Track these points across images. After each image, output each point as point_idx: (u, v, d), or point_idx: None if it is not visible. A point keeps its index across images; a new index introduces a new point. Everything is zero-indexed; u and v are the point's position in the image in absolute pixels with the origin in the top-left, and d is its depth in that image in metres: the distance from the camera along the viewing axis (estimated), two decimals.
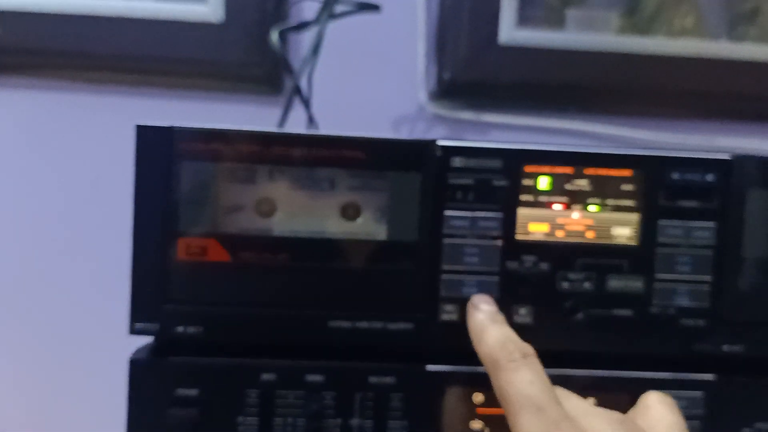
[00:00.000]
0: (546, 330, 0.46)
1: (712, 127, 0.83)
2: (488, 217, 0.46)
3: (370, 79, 0.82)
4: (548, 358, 0.46)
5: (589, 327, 0.46)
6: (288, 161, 0.45)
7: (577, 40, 0.81)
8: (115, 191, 0.62)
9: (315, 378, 0.45)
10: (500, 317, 0.44)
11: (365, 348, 0.46)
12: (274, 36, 0.71)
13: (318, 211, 0.46)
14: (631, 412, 0.42)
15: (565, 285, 0.46)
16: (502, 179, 0.46)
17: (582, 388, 0.46)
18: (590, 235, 0.46)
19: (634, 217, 0.46)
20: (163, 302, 0.45)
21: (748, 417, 0.47)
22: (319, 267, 0.46)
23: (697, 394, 0.47)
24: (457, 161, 0.46)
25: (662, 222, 0.46)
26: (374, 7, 0.73)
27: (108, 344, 0.51)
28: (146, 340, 0.47)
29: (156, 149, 0.44)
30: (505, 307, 0.46)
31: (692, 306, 0.46)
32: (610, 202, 0.46)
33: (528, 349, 0.41)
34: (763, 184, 0.46)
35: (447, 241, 0.46)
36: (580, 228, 0.46)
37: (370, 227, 0.46)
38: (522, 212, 0.46)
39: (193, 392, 0.45)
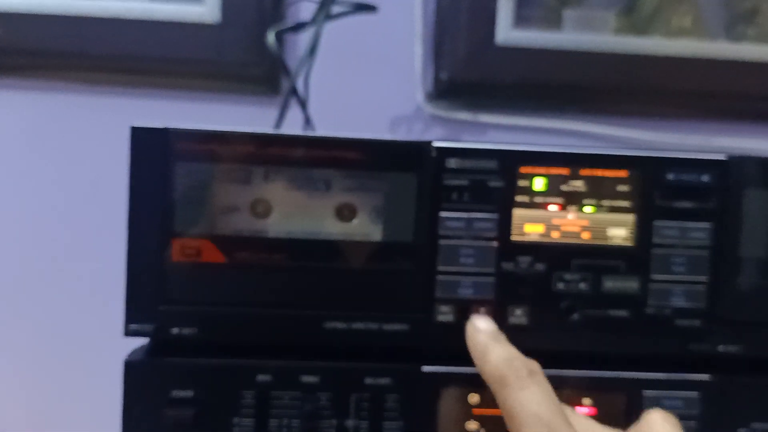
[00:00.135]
0: (542, 331, 0.46)
1: (710, 127, 0.83)
2: (484, 218, 0.46)
3: (367, 79, 0.82)
4: (544, 359, 0.46)
5: (585, 327, 0.46)
6: (283, 162, 0.45)
7: (575, 40, 0.81)
8: (113, 192, 0.62)
9: (310, 379, 0.45)
10: (502, 336, 0.44)
11: (361, 349, 0.46)
12: (271, 37, 0.71)
13: (313, 212, 0.46)
14: (634, 428, 0.41)
15: (561, 286, 0.46)
16: (498, 180, 0.46)
17: (578, 389, 0.46)
18: (586, 236, 0.46)
19: (630, 217, 0.46)
20: (158, 303, 0.45)
21: (745, 417, 0.47)
22: (314, 268, 0.46)
23: (693, 394, 0.47)
24: (453, 162, 0.46)
25: (658, 223, 0.46)
26: (371, 8, 0.73)
27: (106, 345, 0.51)
28: (142, 341, 0.47)
29: (151, 150, 0.44)
30: (501, 308, 0.46)
31: (688, 306, 0.46)
32: (606, 202, 0.46)
33: (535, 366, 0.41)
34: (758, 185, 0.46)
35: (443, 242, 0.46)
36: (575, 229, 0.46)
37: (365, 228, 0.46)
38: (517, 213, 0.46)
39: (188, 393, 0.45)
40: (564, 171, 0.46)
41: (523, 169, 0.46)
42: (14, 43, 0.80)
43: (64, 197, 0.82)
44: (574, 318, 0.46)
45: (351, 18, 0.72)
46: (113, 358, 0.47)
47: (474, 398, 0.46)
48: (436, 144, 0.46)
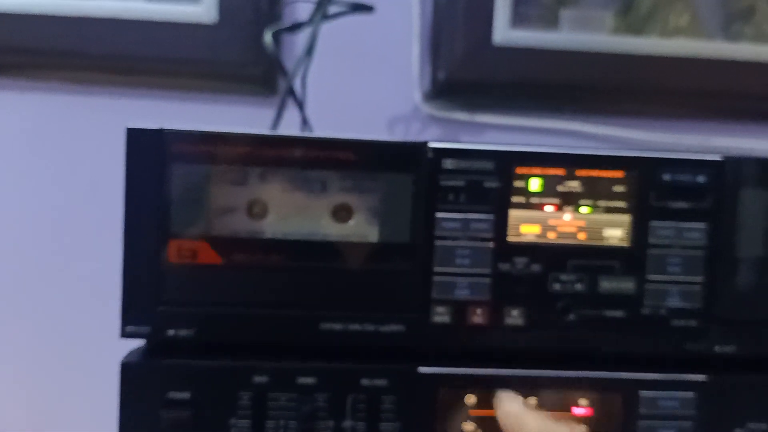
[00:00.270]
0: (538, 331, 0.46)
1: (707, 126, 0.83)
2: (480, 218, 0.46)
3: (364, 79, 0.82)
4: (540, 360, 0.46)
5: (581, 328, 0.46)
6: (279, 163, 0.45)
7: (572, 40, 0.81)
8: (111, 192, 0.62)
9: (307, 380, 0.45)
10: (531, 407, 0.45)
11: (357, 350, 0.46)
12: (268, 37, 0.71)
13: (310, 212, 0.46)
14: None
15: (557, 286, 0.46)
16: (494, 181, 0.46)
17: (574, 389, 0.46)
18: (582, 237, 0.46)
19: (626, 218, 0.46)
20: (155, 305, 0.45)
21: (741, 417, 0.47)
22: (310, 269, 0.46)
23: (689, 394, 0.47)
24: (449, 163, 0.46)
25: (654, 223, 0.46)
26: (368, 8, 0.73)
27: (105, 345, 0.51)
28: (139, 342, 0.47)
29: (146, 152, 0.44)
30: (497, 308, 0.46)
31: (684, 306, 0.46)
32: (602, 203, 0.46)
33: None
34: (754, 185, 0.46)
35: (439, 242, 0.46)
36: (571, 229, 0.46)
37: (362, 229, 0.46)
38: (513, 214, 0.46)
39: (185, 395, 0.45)
40: (560, 171, 0.46)
41: (519, 170, 0.46)
42: (10, 42, 0.80)
43: (62, 197, 0.82)
44: (570, 318, 0.46)
45: (348, 18, 0.72)
46: (112, 359, 0.47)
47: (471, 399, 0.46)
48: (432, 145, 0.46)
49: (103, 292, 0.70)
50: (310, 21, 0.72)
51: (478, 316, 0.46)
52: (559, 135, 0.82)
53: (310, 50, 0.71)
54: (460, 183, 0.46)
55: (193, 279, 0.45)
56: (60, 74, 0.82)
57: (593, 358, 0.47)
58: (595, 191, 0.46)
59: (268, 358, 0.45)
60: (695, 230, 0.46)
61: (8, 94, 0.82)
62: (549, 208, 0.46)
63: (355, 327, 0.46)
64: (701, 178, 0.46)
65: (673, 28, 0.83)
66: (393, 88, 0.82)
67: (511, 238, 0.46)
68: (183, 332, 0.45)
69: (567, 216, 0.46)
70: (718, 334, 0.47)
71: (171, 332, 0.45)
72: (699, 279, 0.46)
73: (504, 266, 0.46)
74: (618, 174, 0.46)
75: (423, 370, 0.46)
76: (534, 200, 0.46)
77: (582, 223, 0.46)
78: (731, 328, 0.47)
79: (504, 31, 0.80)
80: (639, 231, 0.46)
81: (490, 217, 0.46)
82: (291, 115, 0.72)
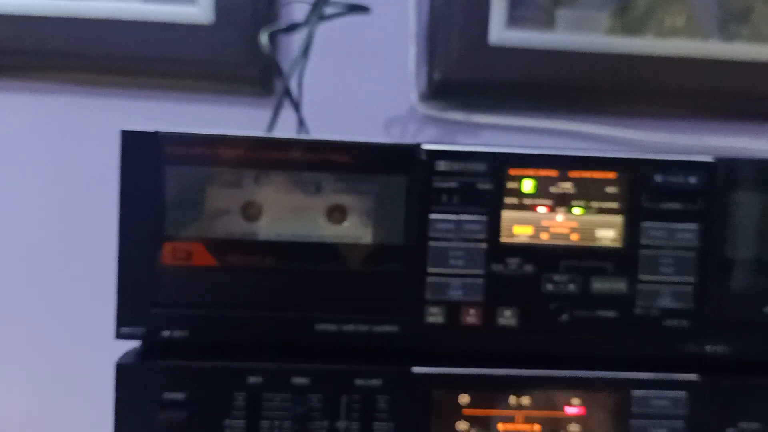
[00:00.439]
0: (531, 332, 0.47)
1: (702, 126, 0.83)
2: (473, 220, 0.46)
3: (360, 80, 0.82)
4: (534, 360, 0.46)
5: (573, 328, 0.47)
6: (274, 165, 0.46)
7: (568, 40, 0.81)
8: (109, 193, 0.62)
9: (301, 381, 0.46)
10: None
11: (352, 350, 0.46)
12: (264, 38, 0.71)
13: (304, 214, 0.46)
14: None
15: (550, 287, 0.47)
16: (487, 182, 0.46)
17: (567, 389, 0.47)
18: (574, 238, 0.47)
19: (618, 219, 0.47)
20: (150, 306, 0.45)
21: (732, 417, 0.47)
22: (305, 270, 0.46)
23: (681, 394, 0.47)
24: (442, 165, 0.46)
25: (646, 224, 0.47)
26: (364, 9, 0.73)
27: (103, 346, 0.51)
28: (134, 343, 0.47)
29: (141, 154, 0.45)
30: (490, 309, 0.46)
31: (676, 307, 0.47)
32: (594, 204, 0.47)
33: None
34: (745, 186, 0.47)
35: (432, 244, 0.46)
36: (564, 230, 0.47)
37: (356, 230, 0.46)
38: (506, 215, 0.46)
39: (180, 396, 0.45)
40: (552, 173, 0.47)
41: (512, 171, 0.46)
42: (6, 44, 0.80)
43: (60, 198, 0.82)
44: (563, 319, 0.47)
45: (344, 18, 0.72)
46: (108, 359, 0.47)
47: (464, 399, 0.46)
48: (426, 147, 0.46)
49: (99, 293, 0.71)
50: (307, 22, 0.72)
51: (471, 317, 0.46)
52: (555, 135, 0.83)
53: (306, 51, 0.71)
54: (453, 185, 0.46)
55: (188, 280, 0.45)
56: (57, 75, 0.82)
57: (586, 357, 0.47)
58: (587, 192, 0.47)
59: (262, 359, 0.46)
60: (687, 231, 0.47)
61: (5, 95, 0.82)
62: (542, 209, 0.47)
63: (349, 328, 0.46)
64: (693, 180, 0.46)
65: (669, 29, 0.83)
66: (389, 88, 0.82)
67: (504, 239, 0.46)
68: (178, 333, 0.45)
69: (560, 217, 0.47)
70: (709, 334, 0.47)
71: (166, 333, 0.45)
72: (691, 280, 0.47)
73: (497, 267, 0.46)
74: (610, 175, 0.47)
75: (417, 370, 0.46)
76: (527, 201, 0.47)
77: (575, 224, 0.47)
78: (723, 328, 0.47)
79: (500, 32, 0.81)
80: (631, 232, 0.47)
81: (483, 218, 0.46)
82: (287, 115, 0.72)
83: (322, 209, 0.46)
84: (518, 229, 0.47)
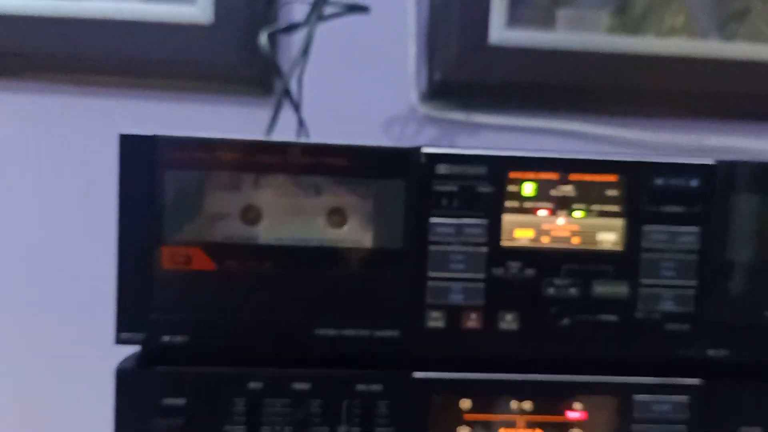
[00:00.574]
0: (532, 336, 0.46)
1: (702, 126, 0.83)
2: (473, 223, 0.46)
3: (360, 80, 0.82)
4: (535, 364, 0.46)
5: (574, 332, 0.46)
6: (272, 169, 0.45)
7: (568, 40, 0.81)
8: (106, 194, 0.62)
9: (302, 386, 0.45)
10: None
11: (352, 355, 0.46)
12: (264, 38, 0.70)
13: (304, 217, 0.46)
14: None
15: (551, 291, 0.46)
16: (487, 186, 0.46)
17: (568, 394, 0.47)
18: (575, 241, 0.46)
19: (619, 222, 0.46)
20: (149, 311, 0.45)
21: (734, 421, 0.47)
22: (304, 274, 0.46)
23: (683, 398, 0.47)
24: (442, 168, 0.46)
25: (647, 227, 0.46)
26: (363, 9, 0.72)
27: (99, 352, 0.51)
28: (134, 348, 0.47)
29: (139, 158, 0.44)
30: (491, 313, 0.46)
31: (677, 311, 0.47)
32: (595, 207, 0.46)
33: None
34: (746, 189, 0.46)
35: (433, 248, 0.46)
36: (565, 234, 0.46)
37: (356, 234, 0.46)
38: (507, 218, 0.46)
39: (179, 401, 0.45)
40: (553, 176, 0.46)
41: (513, 175, 0.46)
42: (4, 45, 0.80)
43: (57, 200, 0.82)
44: (564, 323, 0.46)
45: (344, 18, 0.72)
46: (107, 365, 0.47)
47: (465, 404, 0.46)
48: (425, 150, 0.46)
49: (98, 297, 0.70)
50: (306, 22, 0.71)
51: (472, 321, 0.46)
52: (555, 135, 0.82)
53: (305, 51, 0.71)
54: (453, 188, 0.46)
55: (188, 285, 0.45)
56: (54, 76, 0.82)
57: (587, 362, 0.47)
58: (588, 195, 0.46)
59: (262, 364, 0.46)
60: (688, 234, 0.46)
61: (2, 96, 0.82)
62: (542, 213, 0.46)
63: (349, 333, 0.46)
64: (694, 183, 0.46)
65: (668, 28, 0.83)
66: (389, 88, 0.82)
67: (504, 243, 0.46)
68: (178, 338, 0.45)
69: (560, 220, 0.46)
70: (711, 338, 0.47)
71: (166, 339, 0.45)
72: (692, 283, 0.47)
73: (498, 271, 0.46)
74: (611, 178, 0.46)
75: (417, 375, 0.46)
76: (527, 205, 0.46)
77: (575, 228, 0.47)
78: (724, 332, 0.47)
79: (500, 31, 0.80)
80: (632, 235, 0.46)
81: (484, 222, 0.46)
82: (287, 116, 0.72)
83: (322, 213, 0.46)
84: (519, 232, 0.46)
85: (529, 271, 0.46)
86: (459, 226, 0.46)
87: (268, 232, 0.46)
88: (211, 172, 0.45)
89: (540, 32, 0.81)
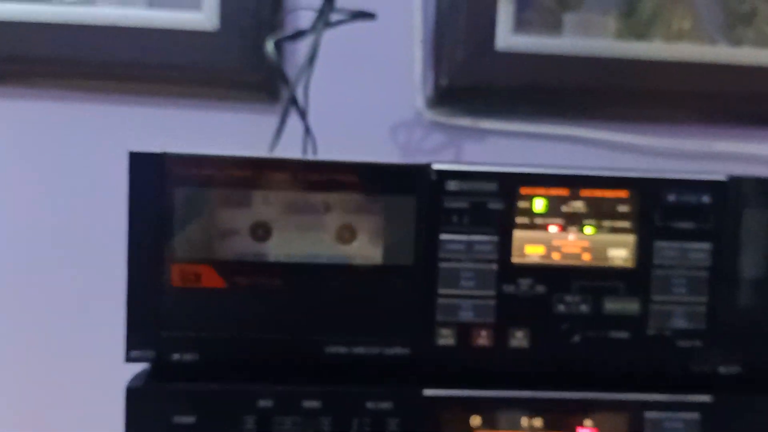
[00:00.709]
0: (543, 353, 0.46)
1: (710, 131, 0.83)
2: (484, 240, 0.46)
3: (366, 86, 0.81)
4: (545, 381, 0.46)
5: (585, 349, 0.46)
6: (282, 186, 0.45)
7: (575, 45, 0.81)
8: (110, 201, 0.62)
9: (312, 403, 0.45)
10: None
11: (362, 372, 0.46)
12: (270, 46, 0.70)
13: (313, 234, 0.46)
14: None
15: (562, 308, 0.46)
16: (498, 202, 0.46)
17: (579, 410, 0.46)
18: (586, 257, 0.46)
19: (630, 238, 0.46)
20: (159, 329, 0.45)
21: None
22: (314, 291, 0.46)
23: (694, 415, 0.47)
24: (452, 185, 0.45)
25: (658, 243, 0.46)
26: (370, 15, 0.72)
27: (109, 370, 0.51)
28: (144, 366, 0.47)
29: (149, 176, 0.44)
30: (502, 330, 0.46)
31: (688, 327, 0.46)
32: (606, 223, 0.46)
33: None
34: (757, 205, 0.46)
35: (443, 264, 0.46)
36: (576, 250, 0.46)
37: (365, 251, 0.46)
38: (518, 235, 0.46)
39: (190, 419, 0.45)
40: (564, 192, 0.46)
41: (523, 191, 0.46)
42: (11, 51, 0.80)
43: (60, 206, 0.82)
44: (574, 340, 0.46)
45: (350, 24, 0.72)
46: (117, 383, 0.47)
47: (476, 420, 0.46)
48: (436, 166, 0.46)
49: (108, 315, 0.70)
50: (312, 29, 0.71)
51: (482, 338, 0.46)
52: (562, 140, 0.82)
53: (312, 59, 0.71)
54: (463, 205, 0.46)
55: (197, 303, 0.45)
56: (61, 82, 0.81)
57: (598, 379, 0.47)
58: (599, 211, 0.46)
59: (272, 382, 0.45)
60: (700, 250, 0.46)
61: (8, 102, 0.82)
62: (553, 229, 0.46)
63: (359, 350, 0.46)
64: (705, 199, 0.46)
65: (675, 32, 0.83)
66: (395, 94, 0.81)
67: (515, 260, 0.46)
68: (188, 356, 0.45)
69: (571, 236, 0.46)
70: (722, 354, 0.47)
71: (176, 356, 0.45)
72: (704, 299, 0.46)
73: (508, 288, 0.46)
74: (622, 194, 0.46)
75: (428, 392, 0.46)
76: (538, 221, 0.46)
77: (586, 244, 0.46)
78: (736, 348, 0.47)
79: (506, 37, 0.80)
80: (643, 251, 0.46)
81: (494, 238, 0.46)
82: (293, 123, 0.72)
83: (332, 229, 0.46)
84: (530, 248, 0.46)
85: (540, 288, 0.46)
86: (469, 243, 0.46)
87: (277, 249, 0.46)
88: (220, 189, 0.45)
89: (547, 37, 0.81)
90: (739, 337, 0.47)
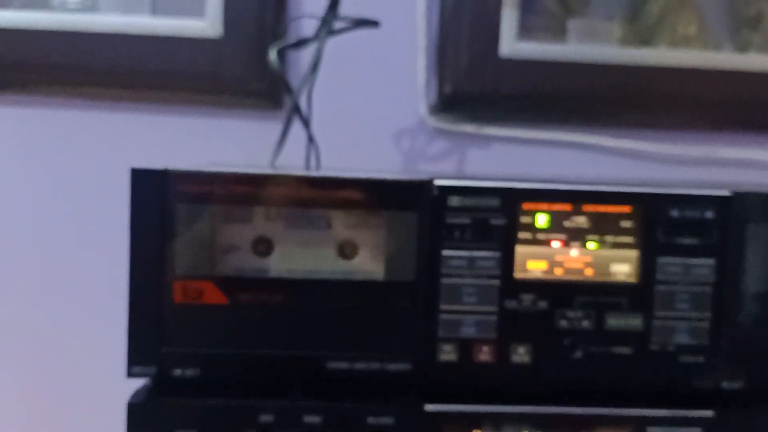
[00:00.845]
0: (545, 368, 0.46)
1: (716, 137, 0.82)
2: (486, 256, 0.45)
3: (370, 93, 0.81)
4: (548, 396, 0.46)
5: (588, 365, 0.46)
6: (283, 202, 0.45)
7: (579, 51, 0.80)
8: (114, 208, 0.62)
9: (313, 419, 0.45)
10: None
11: (363, 388, 0.46)
12: (273, 54, 0.70)
13: (315, 249, 0.46)
14: None
15: (564, 323, 0.46)
16: (500, 217, 0.46)
17: (582, 426, 0.46)
18: (589, 273, 0.46)
19: (633, 253, 0.46)
20: (161, 345, 0.45)
21: None
22: (316, 307, 0.46)
23: (697, 430, 0.46)
24: (454, 200, 0.45)
25: (661, 259, 0.46)
26: (373, 23, 0.72)
27: (110, 385, 0.51)
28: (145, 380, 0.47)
29: (151, 192, 0.44)
30: (504, 346, 0.46)
31: (691, 343, 0.46)
32: (609, 238, 0.46)
33: None
34: (762, 220, 0.46)
35: (445, 280, 0.46)
36: (578, 265, 0.46)
37: (367, 266, 0.46)
38: (520, 250, 0.46)
39: None
40: (567, 207, 0.46)
41: (526, 206, 0.46)
42: (15, 58, 0.80)
43: (63, 215, 0.82)
44: (577, 355, 0.46)
45: (354, 32, 0.72)
46: (119, 397, 0.47)
47: None
48: (438, 182, 0.45)
49: (109, 329, 0.70)
50: (316, 37, 0.71)
51: (484, 354, 0.46)
52: (567, 147, 0.82)
53: (315, 67, 0.71)
54: (465, 220, 0.45)
55: (199, 319, 0.45)
56: (64, 89, 0.81)
57: (600, 394, 0.47)
58: (602, 227, 0.46)
59: (274, 397, 0.45)
60: (703, 266, 0.46)
61: (10, 108, 0.82)
62: (556, 244, 0.46)
63: (361, 366, 0.46)
64: (709, 214, 0.46)
65: (681, 37, 0.82)
66: (399, 101, 0.81)
67: (517, 275, 0.46)
68: (189, 372, 0.45)
69: (574, 252, 0.46)
70: (725, 370, 0.47)
71: (177, 372, 0.45)
72: (707, 315, 0.46)
73: (510, 303, 0.46)
74: (625, 209, 0.46)
75: (429, 408, 0.46)
76: (540, 236, 0.46)
77: (589, 259, 0.46)
78: (739, 364, 0.47)
79: (510, 43, 0.80)
80: (646, 267, 0.46)
81: (497, 254, 0.46)
82: (297, 130, 0.71)
83: (333, 244, 0.46)
84: (532, 264, 0.46)
85: (542, 304, 0.46)
86: (471, 259, 0.45)
87: (279, 264, 0.46)
88: (222, 205, 0.45)
89: (551, 44, 0.81)
90: (742, 353, 0.46)
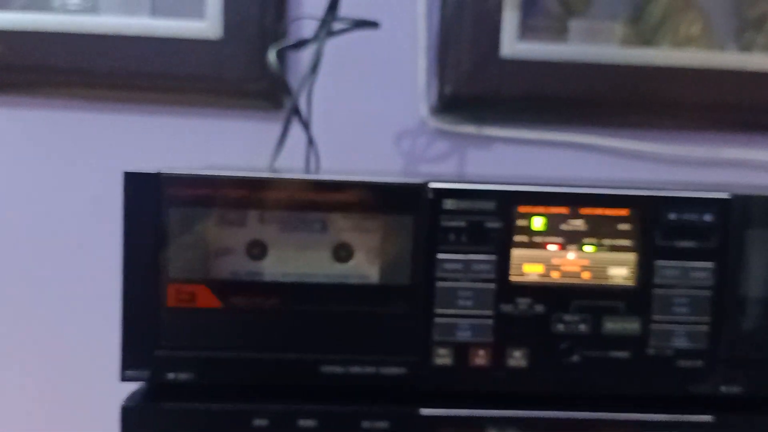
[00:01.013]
0: (541, 373, 0.46)
1: (718, 138, 0.82)
2: (482, 259, 0.45)
3: (370, 94, 0.81)
4: (544, 401, 0.46)
5: (584, 369, 0.46)
6: (278, 205, 0.45)
7: (581, 52, 0.80)
8: (111, 213, 0.62)
9: (307, 423, 0.45)
10: None
11: (358, 391, 0.46)
12: (272, 55, 0.70)
13: (310, 253, 0.46)
14: None
15: (561, 327, 0.46)
16: (496, 221, 0.45)
17: (578, 431, 0.46)
18: (586, 276, 0.46)
19: (631, 257, 0.46)
20: (154, 349, 0.45)
21: None
22: (311, 311, 0.45)
23: None
24: (450, 203, 0.45)
25: (659, 262, 0.46)
26: (373, 24, 0.72)
27: (104, 388, 0.51)
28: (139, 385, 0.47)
29: (144, 195, 0.44)
30: (500, 350, 0.45)
31: (690, 347, 0.46)
32: (607, 242, 0.46)
33: None
34: (761, 224, 0.45)
35: (440, 284, 0.45)
36: (575, 269, 0.46)
37: (362, 269, 0.46)
38: (516, 253, 0.45)
39: None
40: (563, 210, 0.46)
41: (522, 209, 0.45)
42: (16, 60, 0.80)
43: (61, 217, 0.82)
44: (573, 360, 0.46)
45: (354, 33, 0.71)
46: (113, 401, 0.47)
47: None
48: (433, 185, 0.45)
49: (103, 334, 0.70)
50: (315, 38, 0.71)
51: (480, 358, 0.46)
52: (568, 148, 0.81)
53: (315, 68, 0.70)
54: (461, 224, 0.45)
55: (193, 322, 0.45)
56: (64, 91, 0.81)
57: (597, 399, 0.46)
58: (599, 230, 0.46)
59: (268, 401, 0.45)
60: (701, 270, 0.45)
61: (11, 110, 0.82)
62: (552, 247, 0.46)
63: (355, 369, 0.45)
64: (707, 217, 0.45)
65: (684, 38, 0.82)
66: (399, 102, 0.81)
67: (513, 278, 0.46)
68: (183, 376, 0.45)
69: (571, 255, 0.46)
70: (724, 374, 0.46)
71: (171, 376, 0.45)
72: (705, 319, 0.46)
73: (506, 307, 0.46)
74: (623, 212, 0.46)
75: (425, 412, 0.46)
76: (537, 239, 0.46)
77: (586, 262, 0.46)
78: (737, 368, 0.46)
79: (511, 44, 0.79)
80: (644, 270, 0.46)
81: (492, 257, 0.45)
82: (297, 131, 0.71)
83: (328, 247, 0.46)
84: (528, 267, 0.46)
85: (539, 307, 0.46)
86: (467, 262, 0.45)
87: (273, 268, 0.45)
88: (216, 208, 0.44)
89: (552, 44, 0.80)
90: (740, 358, 0.46)
